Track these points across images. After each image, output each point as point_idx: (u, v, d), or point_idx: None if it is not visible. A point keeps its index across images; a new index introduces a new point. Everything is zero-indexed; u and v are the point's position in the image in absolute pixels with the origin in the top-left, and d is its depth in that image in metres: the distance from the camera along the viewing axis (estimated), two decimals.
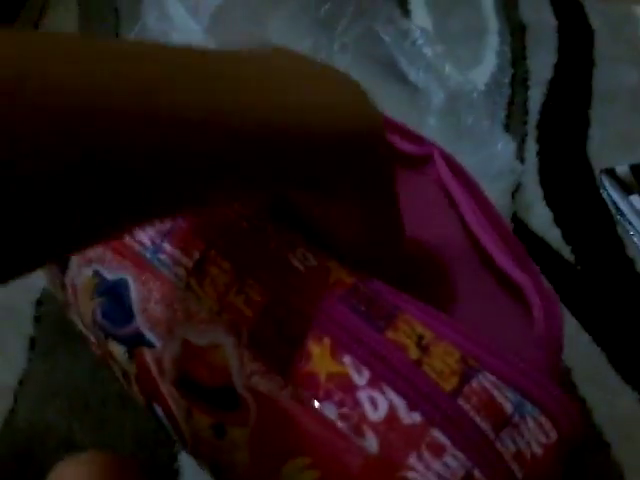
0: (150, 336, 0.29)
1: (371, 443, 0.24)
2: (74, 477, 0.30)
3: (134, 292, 0.29)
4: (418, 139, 0.33)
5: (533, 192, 0.54)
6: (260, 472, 0.27)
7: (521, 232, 0.52)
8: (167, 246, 0.28)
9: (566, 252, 0.51)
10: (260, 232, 0.27)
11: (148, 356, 0.30)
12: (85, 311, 0.33)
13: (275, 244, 0.27)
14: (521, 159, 0.55)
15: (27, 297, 0.46)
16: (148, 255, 0.28)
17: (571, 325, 0.47)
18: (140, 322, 0.29)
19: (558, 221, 0.53)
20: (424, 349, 0.24)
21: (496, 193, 0.47)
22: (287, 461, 0.26)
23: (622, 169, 0.54)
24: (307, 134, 0.21)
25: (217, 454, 0.29)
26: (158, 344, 0.29)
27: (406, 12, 0.61)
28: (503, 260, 0.29)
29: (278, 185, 0.23)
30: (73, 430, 0.40)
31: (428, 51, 0.45)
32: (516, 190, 0.53)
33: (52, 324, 0.44)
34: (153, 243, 0.28)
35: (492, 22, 0.62)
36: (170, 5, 0.42)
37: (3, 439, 0.40)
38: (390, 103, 0.45)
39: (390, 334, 0.25)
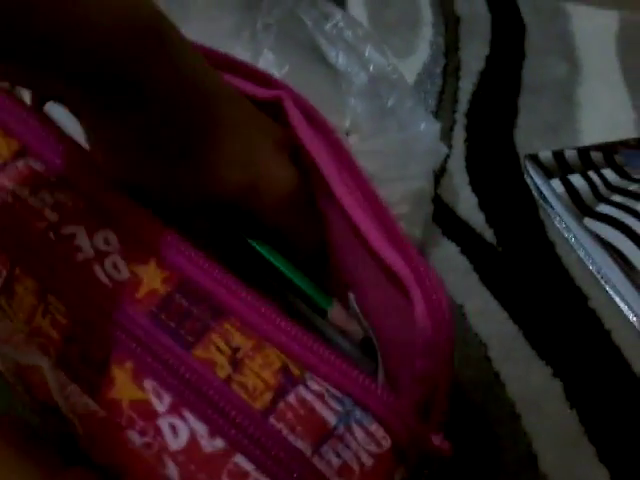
0: None
1: (173, 473, 0.17)
2: None
3: None
4: (266, 80, 0.25)
5: (460, 178, 0.46)
6: None
7: (446, 216, 0.44)
8: None
9: (489, 235, 0.43)
10: (66, 243, 0.20)
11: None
12: None
13: (82, 256, 0.20)
14: (449, 145, 0.47)
15: None
16: None
17: (490, 304, 0.40)
18: None
19: (482, 205, 0.45)
20: (237, 364, 0.17)
21: (420, 173, 0.40)
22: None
23: (545, 155, 0.46)
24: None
25: None
26: None
27: (342, 2, 0.53)
28: (373, 235, 0.21)
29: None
30: None
31: (349, 34, 0.37)
32: (442, 175, 0.45)
33: None
34: None
35: (427, 14, 0.54)
36: None
37: None
38: (312, 84, 0.37)
39: (199, 352, 0.18)
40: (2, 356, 0.21)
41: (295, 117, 0.23)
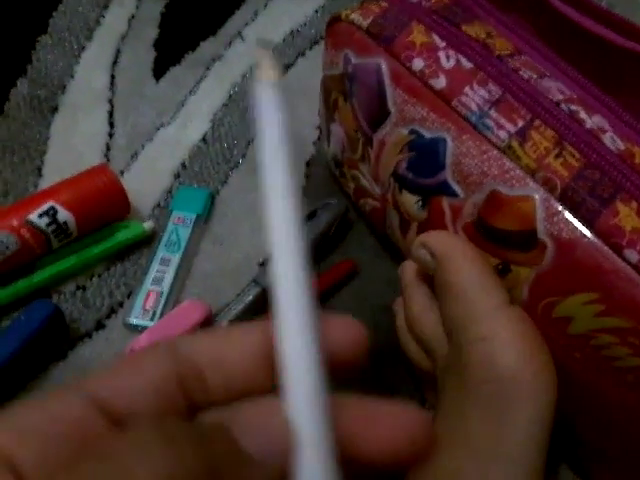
0: (455, 186, 0.30)
1: None
2: None
3: (450, 148, 0.29)
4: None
5: None
6: (534, 306, 0.27)
7: None
8: (493, 113, 0.28)
9: None
10: (574, 115, 0.26)
11: (445, 204, 0.30)
12: (387, 164, 0.34)
13: (589, 125, 0.27)
14: None
15: (301, 158, 0.48)
16: (473, 119, 0.28)
17: None
18: (448, 174, 0.29)
19: None
20: None
21: None
22: (570, 296, 0.25)
23: None
24: None
25: None
26: (461, 194, 0.29)
27: None
28: None
29: None
30: None
31: None
32: None
33: (317, 180, 0.47)
34: (480, 109, 0.28)
35: None
36: None
37: None
38: None
39: None
40: (473, 191, 0.28)
41: None
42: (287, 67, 0.55)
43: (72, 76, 0.55)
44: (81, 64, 0.56)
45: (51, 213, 0.40)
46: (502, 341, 0.25)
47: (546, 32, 0.32)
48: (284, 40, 0.58)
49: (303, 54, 0.56)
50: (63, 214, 0.41)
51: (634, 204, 0.24)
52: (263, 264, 0.41)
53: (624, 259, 0.24)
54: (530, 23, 0.33)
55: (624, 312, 0.24)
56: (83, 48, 0.57)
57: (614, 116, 0.27)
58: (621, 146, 0.26)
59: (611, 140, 0.26)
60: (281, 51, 0.57)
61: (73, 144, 0.50)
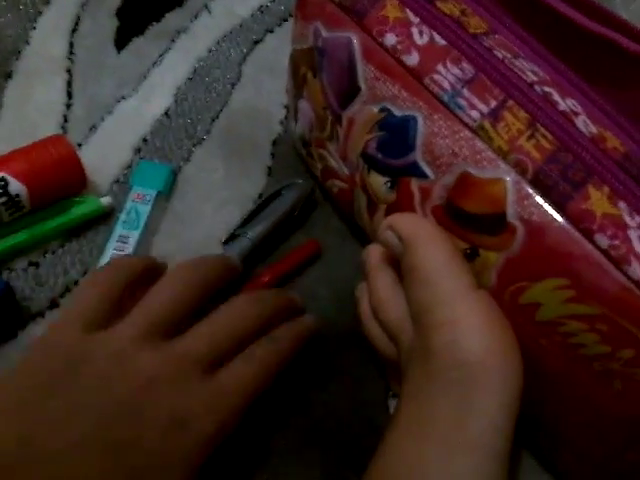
0: (425, 168, 0.29)
1: (635, 270, 0.23)
2: None
3: (421, 128, 0.28)
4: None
5: None
6: (502, 292, 0.27)
7: None
8: (466, 92, 0.27)
9: None
10: (547, 97, 0.26)
11: (414, 186, 0.30)
12: (356, 144, 0.33)
13: (562, 107, 0.26)
14: None
15: (267, 137, 0.46)
16: (445, 98, 0.28)
17: None
18: (418, 155, 0.29)
19: None
20: None
21: None
22: (539, 282, 0.25)
23: None
24: None
25: None
26: (431, 175, 0.29)
27: None
28: None
29: None
30: None
31: None
32: None
33: (284, 159, 0.46)
34: (453, 88, 0.28)
35: None
36: None
37: None
38: None
39: None
40: (444, 173, 0.28)
41: None
42: (255, 43, 0.54)
43: (27, 42, 0.52)
44: (37, 30, 0.53)
45: (2, 184, 0.38)
46: (468, 326, 0.25)
47: (523, 16, 0.32)
48: (252, 16, 0.56)
49: (272, 31, 0.55)
50: (15, 185, 0.39)
51: (605, 188, 0.24)
52: (226, 243, 0.40)
53: (594, 244, 0.23)
54: (506, 6, 0.33)
55: (593, 298, 0.24)
56: (40, 13, 0.54)
57: (587, 100, 0.27)
58: (593, 130, 0.25)
59: (584, 123, 0.25)
60: (249, 27, 0.55)
61: (27, 114, 0.47)
